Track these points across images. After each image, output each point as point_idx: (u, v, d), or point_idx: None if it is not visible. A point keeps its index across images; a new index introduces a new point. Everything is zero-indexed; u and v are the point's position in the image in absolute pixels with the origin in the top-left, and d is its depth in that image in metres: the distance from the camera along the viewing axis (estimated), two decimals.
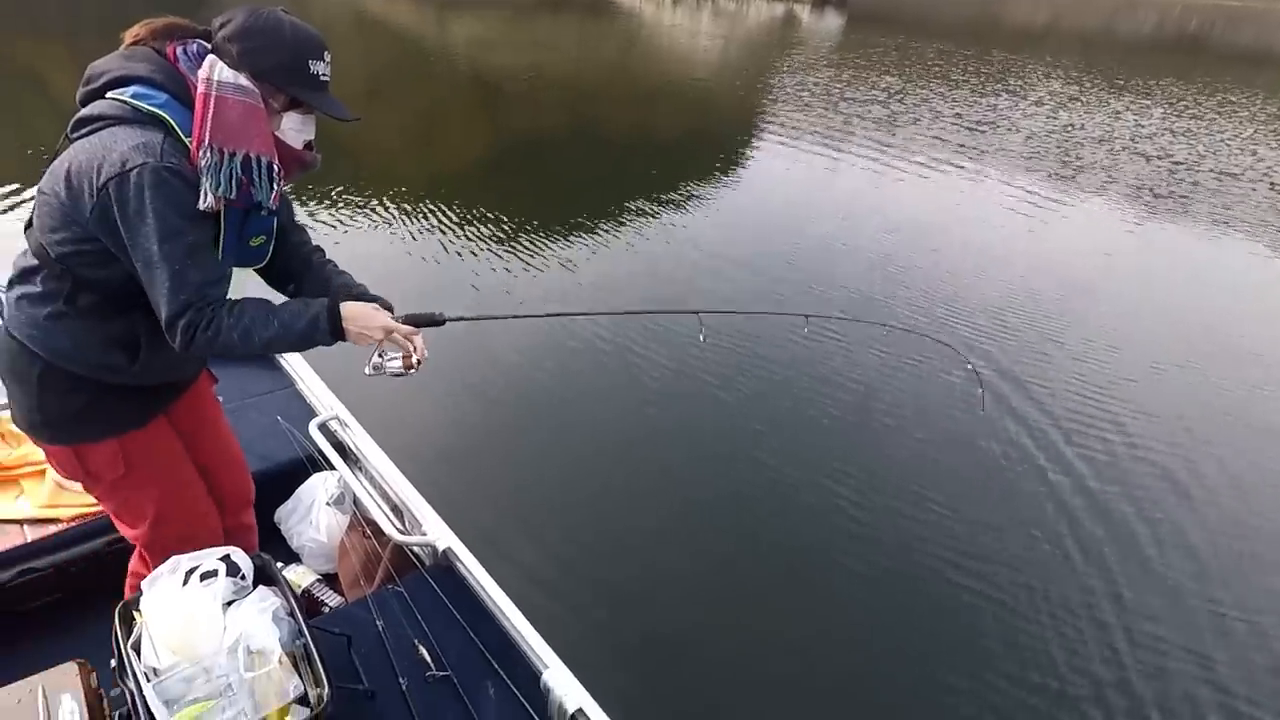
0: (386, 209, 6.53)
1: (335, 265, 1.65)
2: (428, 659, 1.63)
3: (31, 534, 1.93)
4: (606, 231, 6.41)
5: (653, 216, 6.84)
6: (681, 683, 2.56)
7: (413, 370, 1.48)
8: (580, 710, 1.51)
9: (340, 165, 7.46)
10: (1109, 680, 2.69)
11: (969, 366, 3.56)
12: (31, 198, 5.95)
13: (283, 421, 2.37)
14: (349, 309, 1.41)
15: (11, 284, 1.37)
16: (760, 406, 4.11)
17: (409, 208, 6.58)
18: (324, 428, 2.23)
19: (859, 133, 10.29)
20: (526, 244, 5.94)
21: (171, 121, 1.25)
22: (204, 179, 1.26)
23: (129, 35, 1.32)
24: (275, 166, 1.34)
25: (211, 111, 1.26)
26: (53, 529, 1.93)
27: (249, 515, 1.89)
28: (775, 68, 15.71)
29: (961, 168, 9.07)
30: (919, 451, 3.81)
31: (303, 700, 1.30)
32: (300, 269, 1.61)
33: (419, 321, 1.49)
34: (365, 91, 10.83)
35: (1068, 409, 4.29)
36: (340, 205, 6.51)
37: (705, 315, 2.00)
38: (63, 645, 1.51)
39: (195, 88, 1.27)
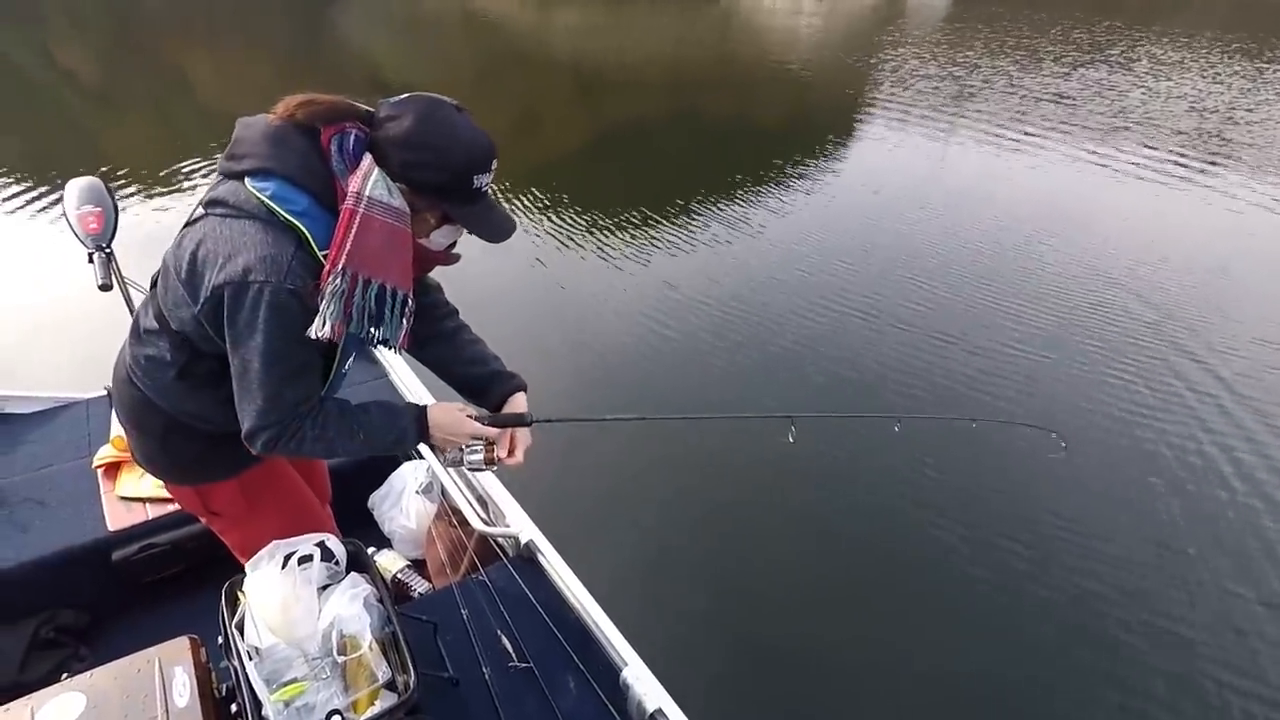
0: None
1: (467, 331, 1.56)
2: (509, 649, 1.66)
3: (153, 511, 2.08)
4: (703, 227, 6.25)
5: (754, 215, 6.58)
6: (760, 688, 2.52)
7: (493, 465, 1.44)
8: (660, 710, 1.50)
9: None
10: None
11: None
12: (171, 195, 6.48)
13: None
14: (437, 418, 1.36)
15: (137, 337, 1.36)
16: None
17: (511, 200, 6.71)
18: None
19: (971, 119, 9.68)
20: (623, 240, 5.94)
21: (307, 234, 1.15)
22: (325, 305, 1.15)
23: (283, 109, 1.18)
24: (410, 304, 1.23)
25: (354, 232, 1.14)
26: (170, 507, 2.07)
27: (326, 509, 1.91)
28: (877, 49, 15.05)
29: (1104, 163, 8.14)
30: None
31: (391, 685, 1.34)
32: (426, 334, 1.50)
33: (504, 423, 1.44)
34: (471, 81, 11.10)
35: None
36: None
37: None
38: (177, 618, 1.61)
39: (342, 193, 1.16)
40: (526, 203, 6.65)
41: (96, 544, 2.00)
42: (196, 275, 1.17)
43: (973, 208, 6.81)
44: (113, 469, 2.18)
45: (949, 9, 22.21)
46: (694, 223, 6.33)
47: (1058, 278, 5.45)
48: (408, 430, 1.35)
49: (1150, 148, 8.53)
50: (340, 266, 1.14)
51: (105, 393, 2.50)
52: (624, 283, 5.26)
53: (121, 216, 2.24)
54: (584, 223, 6.26)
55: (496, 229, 1.26)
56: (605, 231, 6.11)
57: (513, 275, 5.36)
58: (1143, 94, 11.13)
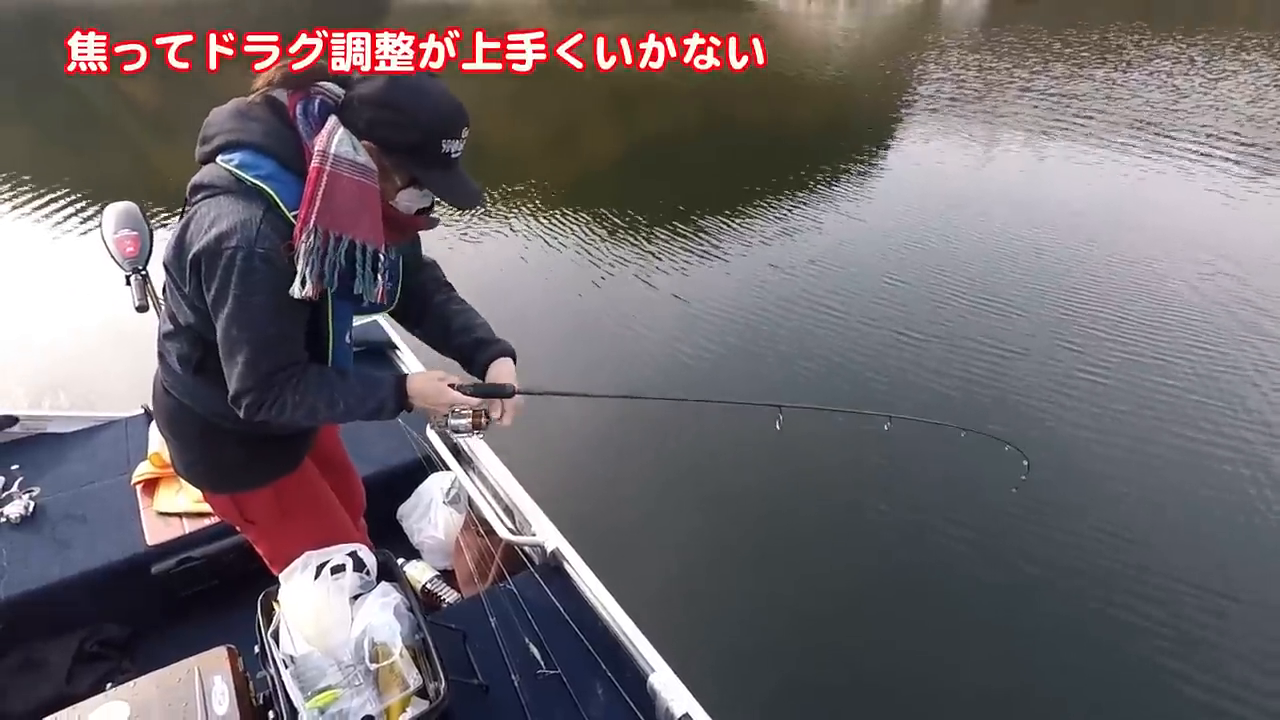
0: (521, 212, 6.80)
1: (456, 302, 1.57)
2: (538, 657, 1.67)
3: (189, 526, 2.14)
4: (738, 236, 6.23)
5: (788, 224, 6.52)
6: (788, 692, 2.51)
7: (480, 431, 1.44)
8: (687, 715, 1.51)
9: (482, 167, 7.85)
10: None
11: None
12: None
13: (403, 423, 2.50)
14: (416, 387, 1.36)
15: (161, 344, 1.40)
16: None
17: (544, 210, 6.82)
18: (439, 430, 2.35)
19: (1005, 130, 9.48)
20: (655, 253, 5.97)
21: (274, 196, 1.17)
22: (302, 264, 1.17)
23: (261, 81, 1.23)
24: (381, 257, 1.25)
25: (322, 189, 1.16)
26: (206, 522, 2.12)
27: (361, 521, 1.95)
28: (912, 52, 14.93)
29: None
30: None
31: (422, 692, 1.37)
32: (419, 312, 1.54)
33: (485, 393, 1.44)
34: (506, 94, 11.25)
35: None
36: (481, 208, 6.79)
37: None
38: (215, 629, 1.66)
39: (309, 154, 1.18)
40: (563, 209, 6.77)
41: (137, 558, 2.06)
42: (183, 258, 1.20)
43: (1002, 216, 6.60)
44: (151, 485, 2.24)
45: (984, 11, 21.90)
46: (727, 231, 6.33)
47: (1103, 291, 5.16)
48: (386, 401, 1.35)
49: (1200, 151, 8.28)
50: (311, 224, 1.16)
51: (143, 411, 2.57)
52: (657, 284, 5.30)
53: (159, 239, 2.32)
54: (618, 230, 6.33)
55: (462, 195, 1.27)
56: (642, 238, 6.17)
57: (553, 275, 5.54)
58: (1178, 96, 10.84)
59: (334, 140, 1.17)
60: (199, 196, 1.22)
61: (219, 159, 1.20)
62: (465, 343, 1.53)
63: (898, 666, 2.61)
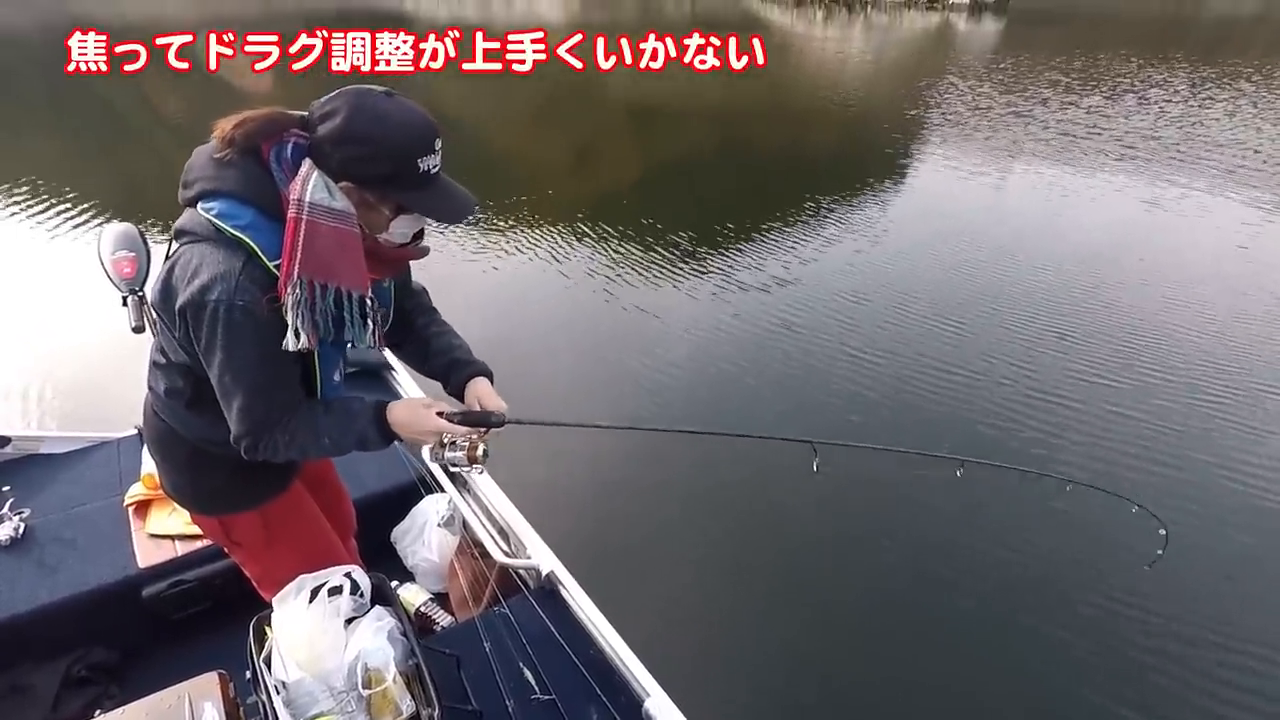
0: (536, 229, 6.82)
1: (436, 324, 1.57)
2: (532, 682, 1.66)
3: (182, 548, 2.12)
4: (755, 257, 6.19)
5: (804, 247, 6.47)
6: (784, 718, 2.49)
7: (478, 464, 1.38)
8: None
9: (496, 185, 7.87)
10: None
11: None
12: None
13: (398, 444, 2.49)
14: (397, 416, 1.33)
15: (152, 373, 1.41)
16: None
17: (558, 228, 6.84)
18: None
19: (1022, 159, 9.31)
20: (665, 273, 5.98)
21: (254, 247, 1.16)
22: (292, 316, 1.17)
23: (221, 134, 1.18)
24: (369, 302, 1.25)
25: (302, 239, 1.15)
26: (199, 544, 2.11)
27: (351, 542, 1.93)
28: (927, 79, 14.98)
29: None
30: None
31: (415, 719, 1.35)
32: (402, 337, 1.55)
33: (474, 421, 1.37)
34: (528, 116, 11.40)
35: None
36: (491, 223, 6.80)
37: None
38: (206, 654, 1.63)
39: (287, 203, 1.16)
40: (581, 230, 6.82)
41: (127, 581, 2.04)
42: (170, 303, 1.21)
43: (1042, 244, 6.46)
44: (143, 507, 2.23)
45: (999, 38, 22.03)
46: (746, 253, 6.32)
47: (1166, 328, 4.91)
48: (366, 432, 1.32)
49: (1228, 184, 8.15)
50: (295, 276, 1.15)
51: (136, 432, 2.56)
52: (675, 305, 5.33)
53: (156, 259, 2.31)
54: (633, 248, 6.36)
55: (451, 210, 1.26)
56: (658, 258, 6.19)
57: (550, 291, 5.52)
58: (1202, 125, 10.77)
59: (308, 187, 1.15)
60: (186, 239, 1.21)
61: (199, 206, 1.19)
62: (442, 364, 1.53)
63: (898, 691, 2.59)
